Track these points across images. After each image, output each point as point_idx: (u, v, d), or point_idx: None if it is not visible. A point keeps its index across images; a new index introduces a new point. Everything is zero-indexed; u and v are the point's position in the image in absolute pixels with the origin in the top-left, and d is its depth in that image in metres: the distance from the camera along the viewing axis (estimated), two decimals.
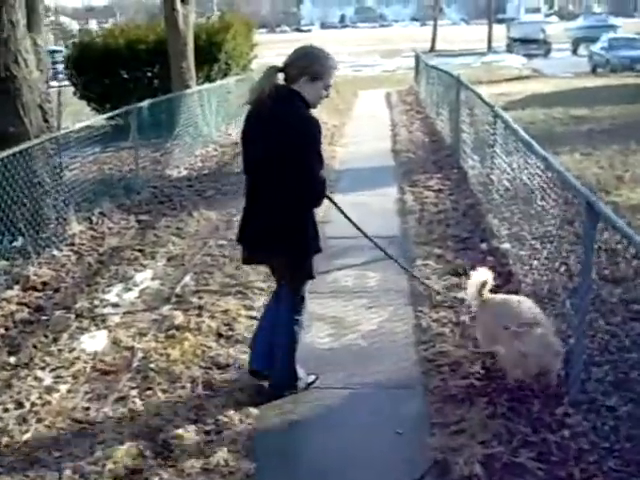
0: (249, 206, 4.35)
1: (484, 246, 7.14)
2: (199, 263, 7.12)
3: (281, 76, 4.22)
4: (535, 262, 6.26)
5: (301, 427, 4.36)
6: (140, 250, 7.64)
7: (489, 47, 48.08)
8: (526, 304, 4.65)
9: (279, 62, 4.27)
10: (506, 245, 6.95)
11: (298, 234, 4.24)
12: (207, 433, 4.24)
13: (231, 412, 4.45)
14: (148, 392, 4.71)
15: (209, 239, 7.91)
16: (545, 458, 3.86)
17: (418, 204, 9.01)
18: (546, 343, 4.35)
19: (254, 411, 4.47)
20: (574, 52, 43.41)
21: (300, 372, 4.67)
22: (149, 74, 17.59)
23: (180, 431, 4.23)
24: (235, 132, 15.83)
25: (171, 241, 7.91)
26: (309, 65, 4.13)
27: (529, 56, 40.09)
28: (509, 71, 31.22)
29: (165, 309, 6.03)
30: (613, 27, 42.77)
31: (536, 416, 4.22)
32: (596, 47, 32.73)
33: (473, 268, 6.54)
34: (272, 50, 45.96)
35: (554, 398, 4.35)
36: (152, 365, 5.06)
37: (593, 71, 31.38)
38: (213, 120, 15.06)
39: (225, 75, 17.97)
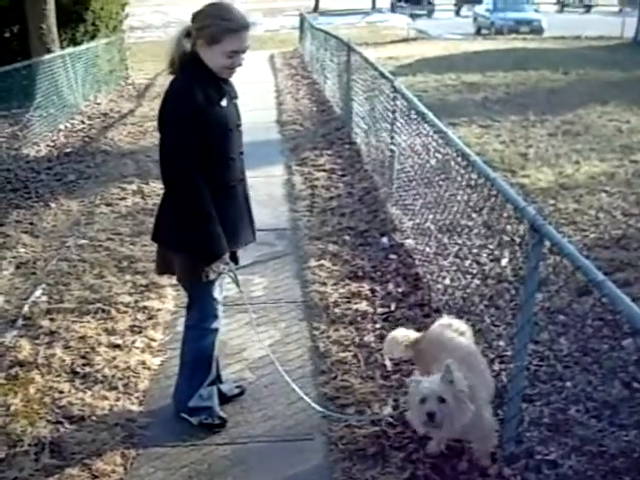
0: None
1: (385, 241, 6.33)
2: (54, 270, 5.98)
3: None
4: (444, 262, 5.53)
5: None
6: None
7: (373, 6, 47.47)
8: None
9: None
10: (410, 241, 6.17)
11: (176, 226, 3.53)
12: None
13: None
14: None
15: (68, 238, 6.74)
16: None
17: (308, 187, 8.11)
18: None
19: None
20: (457, 13, 43.49)
21: (201, 401, 3.90)
22: (7, 35, 15.76)
23: None
24: (105, 101, 14.49)
25: (22, 241, 6.70)
26: (203, 27, 3.35)
27: (413, 16, 39.69)
28: (394, 32, 30.58)
29: (9, 337, 4.91)
30: None
31: (466, 478, 3.45)
32: (480, 8, 32.63)
33: (374, 270, 5.81)
34: (149, 7, 44.04)
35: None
36: None
37: (477, 33, 31.30)
38: (80, 88, 13.66)
39: (93, 37, 16.39)
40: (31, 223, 7.26)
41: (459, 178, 4.96)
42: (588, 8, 45.79)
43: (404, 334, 4.00)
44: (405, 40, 26.62)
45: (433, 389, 3.23)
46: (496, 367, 4.19)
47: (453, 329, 3.80)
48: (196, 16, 3.38)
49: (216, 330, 3.86)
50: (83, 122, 12.53)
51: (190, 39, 3.38)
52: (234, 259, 3.81)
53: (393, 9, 44.44)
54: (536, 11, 32.90)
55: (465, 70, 16.50)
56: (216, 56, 3.33)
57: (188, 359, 3.91)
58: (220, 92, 3.43)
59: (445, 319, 3.99)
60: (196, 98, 3.29)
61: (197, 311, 3.81)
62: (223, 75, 3.44)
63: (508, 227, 5.16)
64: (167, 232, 3.62)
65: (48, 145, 10.81)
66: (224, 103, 3.44)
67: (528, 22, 30.17)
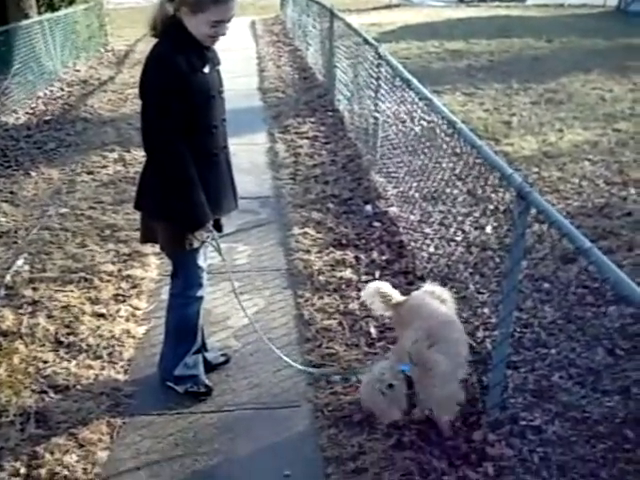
0: None
1: (369, 209, 6.31)
2: (36, 240, 5.91)
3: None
4: (429, 230, 5.53)
5: (162, 475, 3.43)
6: None
7: None
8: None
9: None
10: (394, 208, 6.16)
11: (159, 194, 3.46)
12: None
13: (72, 458, 3.48)
14: None
15: (49, 207, 6.67)
16: None
17: (291, 155, 8.06)
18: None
19: (101, 455, 3.51)
20: None
21: (186, 370, 3.93)
22: None
23: None
24: (84, 68, 14.28)
25: (2, 210, 6.62)
26: None
27: None
28: None
29: None
30: None
31: (451, 444, 3.48)
32: None
33: (358, 237, 5.81)
34: None
35: (469, 416, 3.62)
36: None
37: (460, 0, 30.98)
38: (58, 54, 13.42)
39: (71, 3, 16.07)
40: (11, 192, 7.16)
41: (444, 146, 4.94)
42: None
43: (389, 290, 3.96)
44: (388, 7, 26.33)
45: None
46: (480, 334, 4.22)
47: (435, 296, 3.79)
48: None
49: (201, 298, 3.84)
50: (62, 89, 12.33)
51: (173, 4, 3.31)
52: (218, 227, 3.78)
53: None
54: None
55: (448, 37, 16.39)
56: (200, 24, 3.24)
57: (173, 327, 3.90)
58: (203, 59, 3.36)
59: (428, 285, 3.98)
60: (178, 64, 3.21)
61: (181, 279, 3.78)
62: (206, 43, 3.36)
63: (493, 195, 5.19)
64: (150, 200, 3.58)
65: (27, 113, 10.62)
66: (206, 70, 3.38)
67: None
